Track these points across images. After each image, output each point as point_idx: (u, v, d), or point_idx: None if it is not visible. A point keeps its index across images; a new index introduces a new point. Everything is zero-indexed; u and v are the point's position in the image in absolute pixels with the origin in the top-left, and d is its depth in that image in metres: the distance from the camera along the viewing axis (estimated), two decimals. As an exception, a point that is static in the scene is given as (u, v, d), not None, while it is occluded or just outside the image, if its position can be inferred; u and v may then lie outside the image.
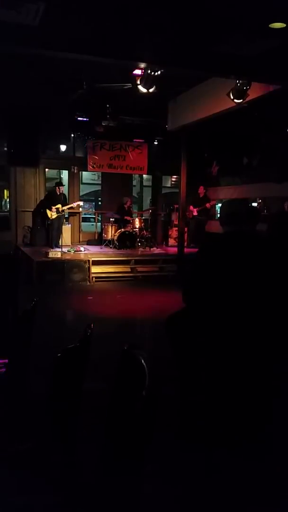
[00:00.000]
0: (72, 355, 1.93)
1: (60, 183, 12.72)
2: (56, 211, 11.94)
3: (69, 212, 13.89)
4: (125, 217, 13.01)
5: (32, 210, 13.37)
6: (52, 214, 11.96)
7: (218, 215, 3.41)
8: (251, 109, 8.88)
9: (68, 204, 12.22)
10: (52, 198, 12.28)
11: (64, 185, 13.14)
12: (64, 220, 12.91)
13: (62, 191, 12.35)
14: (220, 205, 15.13)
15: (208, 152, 14.37)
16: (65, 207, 12.06)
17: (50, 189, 13.11)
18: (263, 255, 3.16)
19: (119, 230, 12.42)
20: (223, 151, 13.83)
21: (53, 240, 12.11)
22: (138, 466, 1.42)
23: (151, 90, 7.74)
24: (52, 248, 11.48)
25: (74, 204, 12.43)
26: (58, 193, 12.18)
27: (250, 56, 6.53)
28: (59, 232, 11.95)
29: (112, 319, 7.19)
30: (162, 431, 2.89)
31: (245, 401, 3.13)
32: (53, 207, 11.95)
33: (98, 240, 13.74)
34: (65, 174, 15.91)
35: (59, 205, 11.94)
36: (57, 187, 12.32)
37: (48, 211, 12.03)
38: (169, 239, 14.30)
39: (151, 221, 14.94)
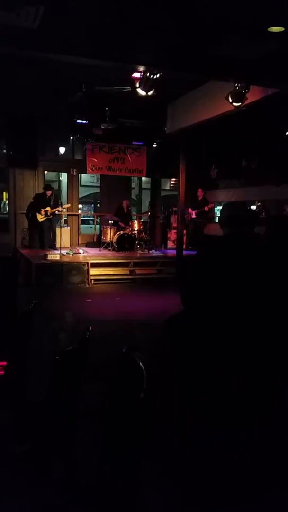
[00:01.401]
0: (70, 357, 1.93)
1: (48, 186, 12.70)
2: (44, 214, 11.97)
3: (68, 214, 13.91)
4: (124, 219, 13.03)
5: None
6: (41, 217, 12.00)
7: (218, 217, 3.42)
8: (249, 112, 8.91)
9: (58, 207, 12.21)
10: (40, 201, 12.28)
11: (54, 188, 13.13)
12: (63, 223, 12.92)
13: (52, 194, 12.34)
14: (218, 207, 15.18)
15: (207, 155, 14.40)
16: (54, 210, 12.05)
17: (39, 192, 13.09)
18: (261, 258, 3.17)
19: (118, 233, 12.43)
20: (222, 154, 13.87)
21: (44, 243, 12.12)
22: (137, 467, 1.43)
23: (150, 93, 7.75)
24: (45, 250, 11.46)
25: (63, 207, 12.42)
26: (47, 196, 12.19)
27: (249, 60, 6.55)
28: (54, 234, 11.96)
29: (110, 322, 7.19)
30: (161, 432, 2.90)
31: (244, 401, 3.14)
32: (42, 210, 12.00)
33: (97, 242, 13.75)
34: (64, 177, 15.94)
35: (48, 208, 11.98)
36: (46, 191, 12.35)
37: (37, 214, 12.07)
38: (168, 241, 14.31)
39: (150, 224, 14.96)
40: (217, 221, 14.43)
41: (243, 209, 3.47)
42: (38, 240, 12.78)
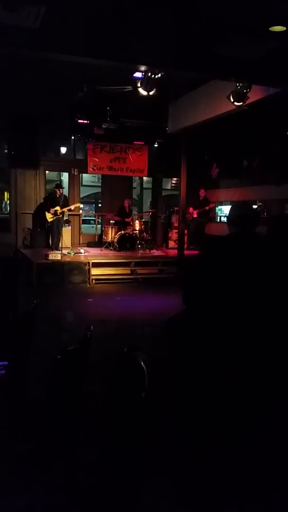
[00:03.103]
0: (72, 357, 1.93)
1: (59, 185, 12.65)
2: (54, 213, 11.91)
3: (69, 214, 13.90)
4: (125, 219, 13.03)
5: (32, 212, 13.38)
6: (50, 216, 11.94)
7: (227, 216, 3.38)
8: (251, 111, 8.90)
9: (67, 206, 12.18)
10: (51, 200, 12.24)
11: (64, 187, 13.12)
12: (65, 222, 12.91)
13: (62, 193, 12.27)
14: (220, 207, 15.16)
15: (208, 155, 14.39)
16: (64, 209, 11.97)
17: (50, 191, 13.09)
18: (264, 258, 3.16)
19: (119, 232, 12.43)
20: (223, 154, 13.85)
21: (52, 243, 12.09)
22: (138, 467, 1.43)
23: (151, 93, 7.75)
24: (52, 250, 11.44)
25: (72, 207, 12.38)
26: (58, 195, 12.13)
27: (250, 59, 6.54)
28: (59, 234, 11.93)
29: (112, 321, 7.19)
30: (162, 431, 2.89)
31: (245, 401, 3.14)
32: (52, 209, 11.94)
33: (98, 242, 13.76)
34: (65, 176, 15.93)
35: (57, 207, 11.91)
36: (56, 189, 12.29)
37: (46, 214, 12.00)
38: (169, 241, 14.31)
39: (151, 223, 14.96)
40: (223, 219, 14.44)
41: (252, 210, 3.47)
42: (44, 240, 12.78)
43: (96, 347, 2.30)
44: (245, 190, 13.42)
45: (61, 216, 11.99)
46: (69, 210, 12.26)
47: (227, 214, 3.33)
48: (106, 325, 6.71)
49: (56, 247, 11.86)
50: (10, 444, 2.14)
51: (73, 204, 12.86)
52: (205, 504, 2.78)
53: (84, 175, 16.90)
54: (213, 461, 3.09)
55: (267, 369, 3.12)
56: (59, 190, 12.21)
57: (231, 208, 3.38)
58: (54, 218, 11.95)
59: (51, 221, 12.02)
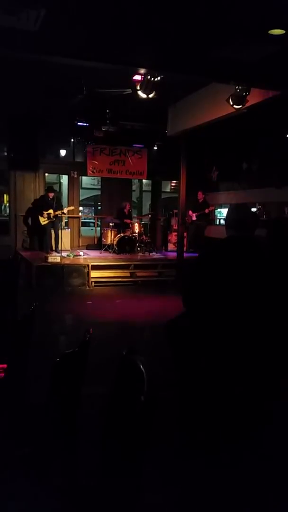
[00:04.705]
0: (71, 360, 1.93)
1: (51, 189, 12.58)
2: (47, 216, 11.89)
3: (68, 217, 13.90)
4: (125, 222, 13.03)
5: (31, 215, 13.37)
6: (43, 220, 11.91)
7: (225, 219, 3.38)
8: (250, 114, 8.91)
9: (61, 209, 12.10)
10: (43, 203, 12.17)
11: (56, 191, 13.02)
12: (64, 225, 12.88)
13: (54, 196, 12.13)
14: (219, 210, 15.18)
15: (207, 157, 14.41)
16: (57, 212, 11.91)
17: (42, 195, 13.03)
18: (264, 261, 3.16)
19: (119, 235, 12.43)
20: (222, 156, 13.88)
21: (46, 246, 12.04)
22: (137, 470, 1.43)
23: (150, 96, 7.76)
24: (46, 253, 11.41)
25: (65, 210, 12.32)
26: (50, 199, 12.03)
27: (249, 62, 6.55)
28: (57, 236, 11.91)
29: (111, 324, 7.18)
30: (161, 435, 2.89)
31: (245, 404, 3.13)
32: (45, 213, 11.90)
33: (98, 244, 13.76)
34: (64, 179, 15.94)
35: (50, 211, 11.85)
36: (48, 193, 12.22)
37: (40, 217, 11.97)
38: (169, 244, 14.31)
39: (151, 226, 14.97)
40: (222, 222, 14.46)
41: (250, 212, 3.46)
42: (38, 243, 12.76)
43: (95, 350, 2.30)
44: (244, 192, 13.44)
45: (54, 219, 11.95)
46: (63, 213, 12.20)
47: (225, 217, 3.32)
48: (105, 328, 6.70)
49: (52, 249, 11.83)
50: (9, 447, 2.13)
51: (68, 206, 12.83)
52: (205, 506, 2.77)
53: (83, 177, 16.90)
54: (213, 462, 3.08)
55: (267, 370, 3.12)
56: (51, 194, 12.13)
57: (228, 211, 3.37)
58: (48, 221, 11.92)
59: (44, 224, 11.98)
